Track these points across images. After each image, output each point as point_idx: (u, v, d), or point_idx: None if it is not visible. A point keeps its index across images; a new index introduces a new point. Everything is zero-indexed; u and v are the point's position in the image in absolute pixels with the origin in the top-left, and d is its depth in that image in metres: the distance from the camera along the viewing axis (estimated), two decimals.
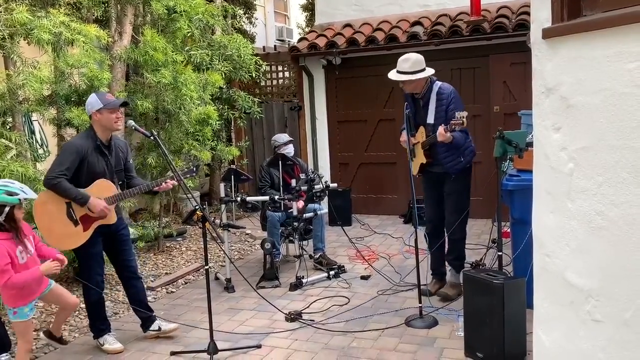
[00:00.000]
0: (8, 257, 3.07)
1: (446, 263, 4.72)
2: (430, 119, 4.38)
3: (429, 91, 4.41)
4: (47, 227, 3.70)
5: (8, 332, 3.72)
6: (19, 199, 3.08)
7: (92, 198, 3.67)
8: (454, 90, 4.41)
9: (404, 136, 4.49)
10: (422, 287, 4.60)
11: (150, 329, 4.07)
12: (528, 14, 5.67)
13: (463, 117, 4.01)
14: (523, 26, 6.45)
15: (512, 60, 6.91)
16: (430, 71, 4.38)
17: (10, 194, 3.07)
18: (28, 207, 4.19)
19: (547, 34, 2.08)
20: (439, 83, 4.44)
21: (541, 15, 2.13)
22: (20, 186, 3.13)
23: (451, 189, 4.49)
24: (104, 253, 4.00)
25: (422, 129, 4.49)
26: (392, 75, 4.40)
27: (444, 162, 4.40)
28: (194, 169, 4.15)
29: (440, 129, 4.14)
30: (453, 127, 4.06)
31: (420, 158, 4.51)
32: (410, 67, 4.32)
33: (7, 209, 3.09)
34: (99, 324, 3.95)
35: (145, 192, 4.01)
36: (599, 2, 1.92)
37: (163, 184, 3.91)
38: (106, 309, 4.16)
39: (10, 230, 3.14)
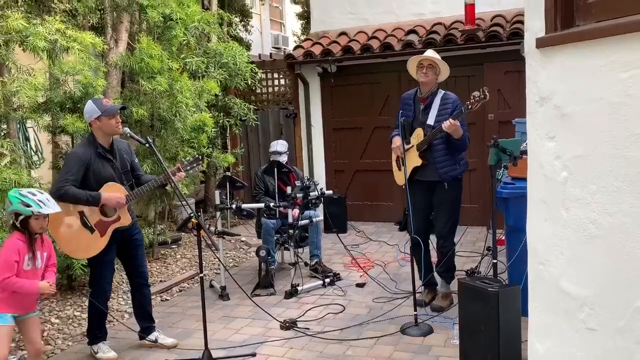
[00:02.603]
0: (18, 255, 3.13)
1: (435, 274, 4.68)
2: (431, 121, 4.38)
3: (434, 95, 4.44)
4: (65, 239, 3.71)
5: None
6: (32, 212, 3.12)
7: (103, 193, 3.67)
8: (458, 99, 4.45)
9: (396, 142, 4.50)
10: (417, 294, 4.59)
11: (147, 338, 4.06)
12: (522, 22, 5.71)
13: (485, 91, 3.97)
14: (517, 35, 6.50)
15: (506, 68, 6.95)
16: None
17: (26, 204, 3.12)
18: None
19: (540, 43, 2.10)
20: (442, 90, 4.48)
21: (535, 25, 2.15)
22: (40, 199, 3.15)
23: (443, 198, 4.42)
24: (116, 259, 4.00)
25: (419, 131, 4.43)
26: (429, 52, 4.48)
27: (438, 167, 4.35)
28: (199, 157, 4.13)
29: (446, 123, 4.12)
30: (469, 107, 4.05)
31: (414, 161, 4.44)
32: (438, 57, 4.44)
33: (21, 217, 3.16)
34: (97, 332, 3.94)
35: (156, 187, 3.98)
36: (592, 13, 1.94)
37: (170, 180, 3.82)
38: None
39: (25, 237, 3.20)
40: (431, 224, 4.66)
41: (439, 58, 4.43)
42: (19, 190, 3.21)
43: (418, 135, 4.43)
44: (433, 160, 4.37)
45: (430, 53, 4.48)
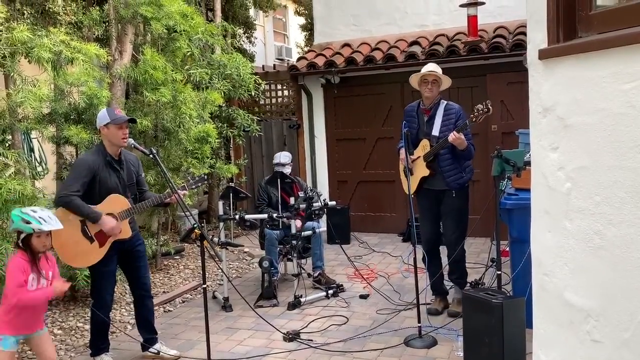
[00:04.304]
0: (24, 274, 3.09)
1: (445, 280, 4.72)
2: (436, 132, 4.44)
3: (437, 106, 4.50)
4: (63, 245, 3.69)
5: None
6: (32, 229, 3.09)
7: (103, 216, 3.67)
8: (462, 108, 4.52)
9: (403, 153, 4.52)
10: (427, 306, 4.60)
11: (150, 350, 4.05)
12: (525, 34, 5.73)
13: (488, 105, 4.02)
14: (520, 46, 6.52)
15: (509, 79, 6.96)
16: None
17: (27, 222, 3.09)
18: None
19: (543, 54, 2.10)
20: (445, 101, 4.54)
21: (537, 37, 2.16)
22: (41, 216, 3.12)
23: (451, 207, 4.49)
24: (118, 269, 4.00)
25: (424, 142, 4.50)
26: (432, 66, 4.49)
27: (446, 176, 4.40)
28: (204, 177, 4.17)
29: (451, 136, 4.17)
30: (473, 119, 4.10)
31: (422, 172, 4.49)
32: (440, 70, 4.49)
33: (23, 235, 3.12)
34: (100, 343, 3.92)
35: (157, 205, 3.99)
36: (594, 24, 1.94)
37: (174, 195, 3.85)
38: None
39: (28, 255, 3.16)
40: (441, 233, 4.70)
41: (441, 72, 4.49)
42: (21, 209, 3.18)
43: (424, 146, 4.49)
44: (440, 169, 4.43)
45: (433, 67, 4.50)
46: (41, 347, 3.28)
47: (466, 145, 4.27)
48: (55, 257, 3.48)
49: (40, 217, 3.11)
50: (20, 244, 3.14)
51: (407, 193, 4.52)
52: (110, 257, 3.78)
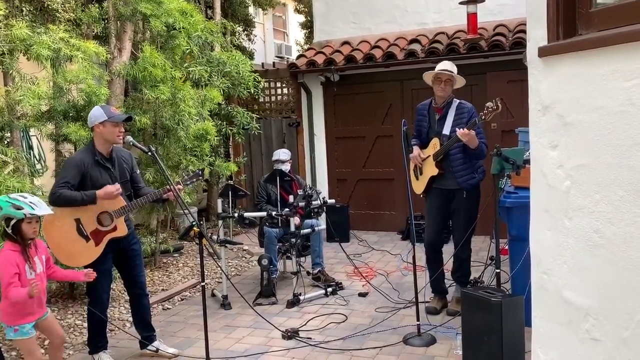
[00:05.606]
0: (16, 267, 3.06)
1: (446, 279, 4.72)
2: (447, 131, 4.42)
3: (449, 104, 4.48)
4: (58, 245, 3.67)
5: (3, 352, 3.69)
6: (24, 214, 3.06)
7: (98, 191, 3.63)
8: (474, 107, 4.51)
9: (415, 151, 4.55)
10: (426, 305, 4.60)
11: (148, 347, 4.04)
12: (525, 32, 5.72)
13: (498, 102, 4.03)
14: (520, 44, 6.51)
15: (509, 77, 6.95)
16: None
17: (17, 207, 3.05)
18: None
19: (542, 52, 2.10)
20: (458, 100, 4.53)
21: (537, 34, 2.15)
22: (32, 201, 3.09)
23: (462, 206, 4.47)
24: (113, 268, 3.99)
25: (435, 141, 4.48)
26: (447, 65, 4.48)
27: (457, 176, 4.38)
28: (199, 172, 4.15)
29: (460, 130, 4.16)
30: (482, 117, 4.10)
31: (430, 171, 4.48)
32: (455, 69, 4.48)
33: (13, 221, 3.08)
34: (97, 341, 3.92)
35: (154, 201, 3.96)
36: (594, 22, 1.93)
37: (170, 190, 3.79)
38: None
39: (19, 244, 3.12)
40: (445, 233, 4.70)
41: (456, 71, 4.48)
42: (9, 194, 3.14)
43: (434, 145, 4.47)
44: (451, 169, 4.40)
45: (448, 66, 4.48)
46: (50, 327, 3.31)
47: (477, 143, 4.25)
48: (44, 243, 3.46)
49: (31, 202, 3.08)
50: (10, 232, 3.09)
51: (414, 192, 4.54)
52: (105, 255, 3.77)
